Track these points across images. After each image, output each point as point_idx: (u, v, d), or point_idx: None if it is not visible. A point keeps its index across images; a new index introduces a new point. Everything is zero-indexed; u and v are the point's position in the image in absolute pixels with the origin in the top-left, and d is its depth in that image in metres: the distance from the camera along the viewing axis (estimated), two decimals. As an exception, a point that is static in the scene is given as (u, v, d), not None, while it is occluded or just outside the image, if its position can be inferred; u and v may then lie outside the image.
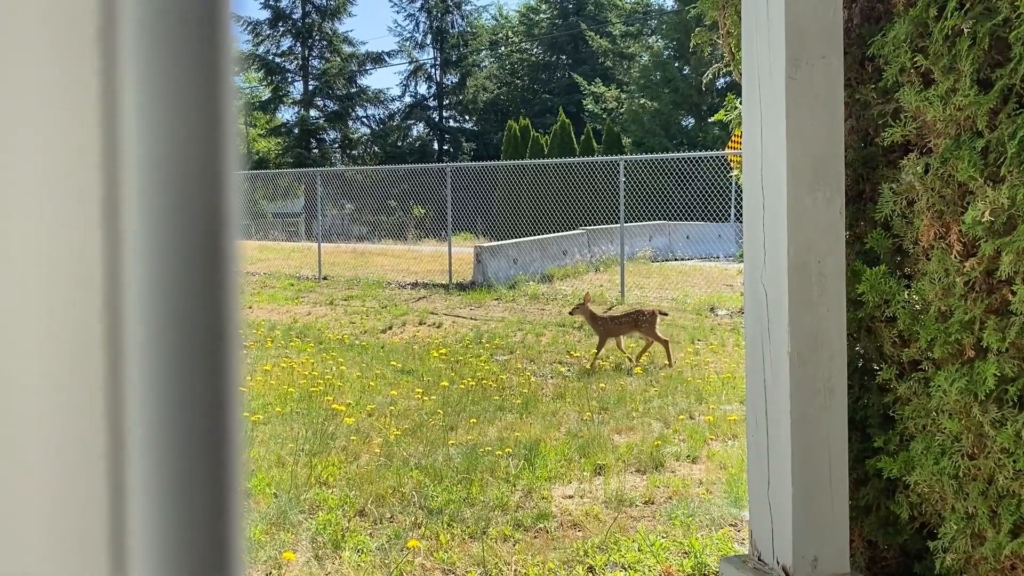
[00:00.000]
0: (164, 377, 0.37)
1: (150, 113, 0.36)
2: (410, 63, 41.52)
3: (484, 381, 7.41)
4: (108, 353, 0.36)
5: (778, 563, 2.14)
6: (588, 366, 8.05)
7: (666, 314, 8.89)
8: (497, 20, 44.73)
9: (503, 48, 42.66)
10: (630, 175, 15.82)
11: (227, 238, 0.39)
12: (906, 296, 2.13)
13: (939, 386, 2.00)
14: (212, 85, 0.38)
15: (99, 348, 0.36)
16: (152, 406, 0.37)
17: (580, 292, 13.62)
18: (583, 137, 27.25)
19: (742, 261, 2.35)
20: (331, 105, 39.35)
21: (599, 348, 8.24)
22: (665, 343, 8.15)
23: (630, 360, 8.16)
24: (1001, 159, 1.83)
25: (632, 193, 16.48)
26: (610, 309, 9.28)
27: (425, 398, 6.75)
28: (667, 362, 8.01)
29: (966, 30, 1.87)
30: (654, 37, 36.76)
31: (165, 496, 0.37)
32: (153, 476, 0.37)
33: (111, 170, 0.36)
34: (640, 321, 8.19)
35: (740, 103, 2.55)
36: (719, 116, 3.09)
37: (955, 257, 1.97)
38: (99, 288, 0.36)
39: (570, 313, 9.05)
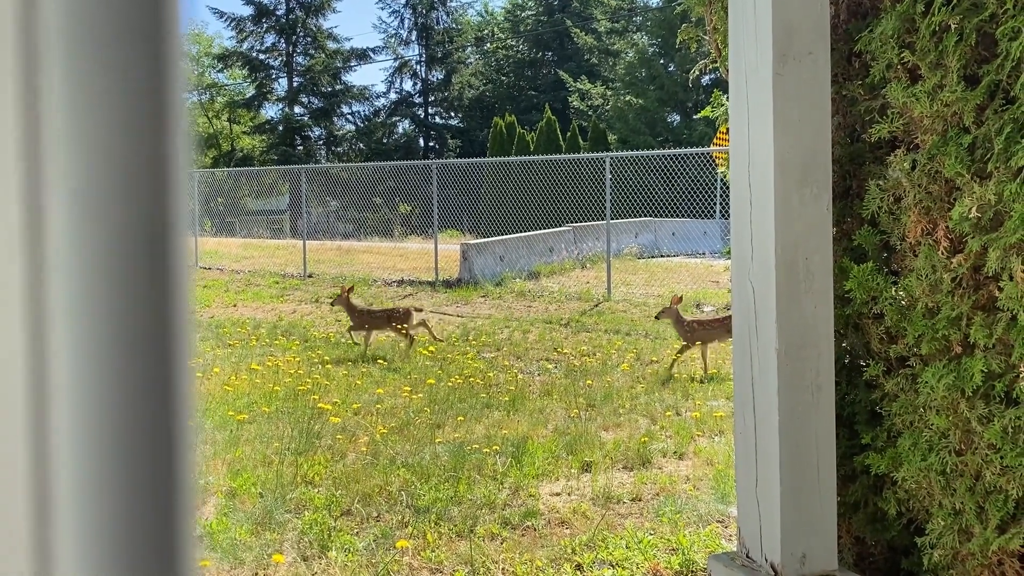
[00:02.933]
0: (93, 382, 0.36)
1: (77, 108, 0.35)
2: (395, 60, 41.38)
3: (471, 379, 7.40)
4: (30, 359, 0.35)
5: (766, 560, 2.13)
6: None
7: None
8: (482, 16, 44.65)
9: (489, 45, 42.59)
10: (616, 172, 15.83)
11: (169, 235, 0.37)
12: (893, 292, 2.13)
13: (926, 382, 2.00)
14: (151, 77, 0.36)
15: (20, 355, 0.34)
16: (80, 412, 0.35)
17: (567, 289, 13.63)
18: (569, 134, 27.25)
19: (728, 258, 2.35)
20: (316, 102, 39.16)
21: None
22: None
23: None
24: (988, 155, 1.83)
25: (618, 190, 16.49)
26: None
27: (412, 396, 6.72)
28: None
29: (953, 26, 1.87)
30: (639, 34, 36.79)
31: (96, 506, 0.36)
32: (82, 487, 0.36)
33: (32, 168, 0.34)
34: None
35: (727, 99, 2.54)
36: (705, 112, 3.09)
37: (942, 253, 1.97)
38: (19, 297, 0.34)
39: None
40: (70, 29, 0.35)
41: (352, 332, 8.88)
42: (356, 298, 9.60)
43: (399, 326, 8.65)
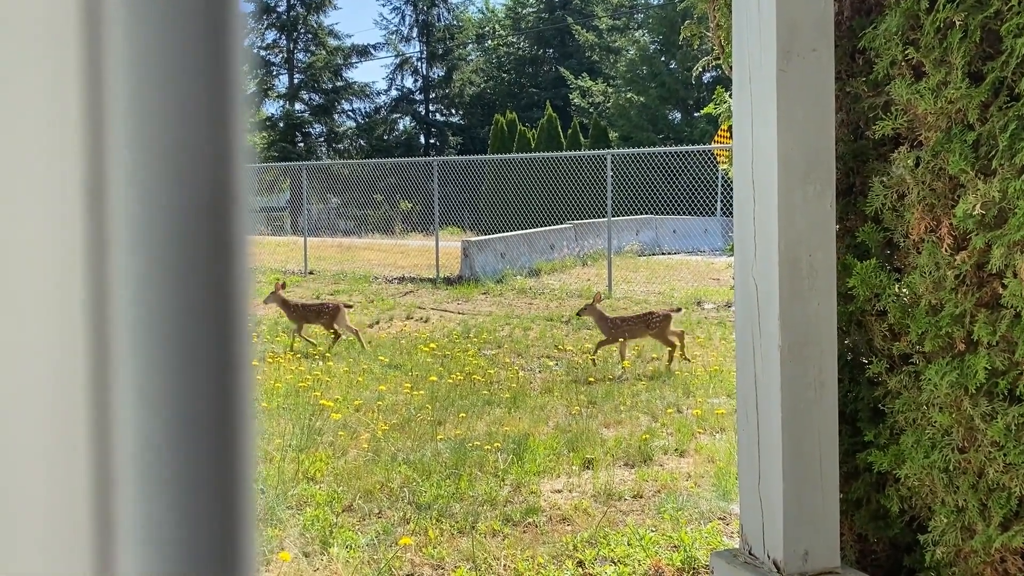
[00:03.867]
0: (157, 378, 0.35)
1: (140, 99, 0.34)
2: (396, 56, 41.35)
3: (472, 376, 7.40)
4: (94, 353, 0.34)
5: (769, 557, 2.13)
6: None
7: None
8: (483, 14, 44.61)
9: (490, 42, 42.55)
10: (617, 169, 15.81)
11: (233, 231, 0.37)
12: (897, 290, 2.12)
13: (929, 379, 2.00)
14: (214, 66, 0.36)
15: (83, 349, 0.34)
16: (143, 408, 0.35)
17: (568, 286, 13.63)
18: (570, 131, 27.23)
19: (729, 255, 2.34)
20: (317, 99, 39.14)
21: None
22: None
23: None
24: (992, 152, 1.83)
25: (619, 187, 16.48)
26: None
27: (413, 393, 6.73)
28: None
29: (957, 23, 1.87)
30: (641, 31, 36.74)
31: (161, 501, 0.36)
32: (146, 482, 0.35)
33: (96, 160, 0.34)
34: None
35: (730, 96, 2.54)
36: (708, 109, 3.08)
37: (946, 250, 1.97)
38: (82, 284, 0.34)
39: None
40: (132, 14, 0.35)
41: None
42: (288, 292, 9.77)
43: (328, 322, 8.82)
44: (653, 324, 7.84)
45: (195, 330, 0.35)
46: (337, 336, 8.87)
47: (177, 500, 0.36)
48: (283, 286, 9.10)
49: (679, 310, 8.52)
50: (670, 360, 7.72)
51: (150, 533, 0.35)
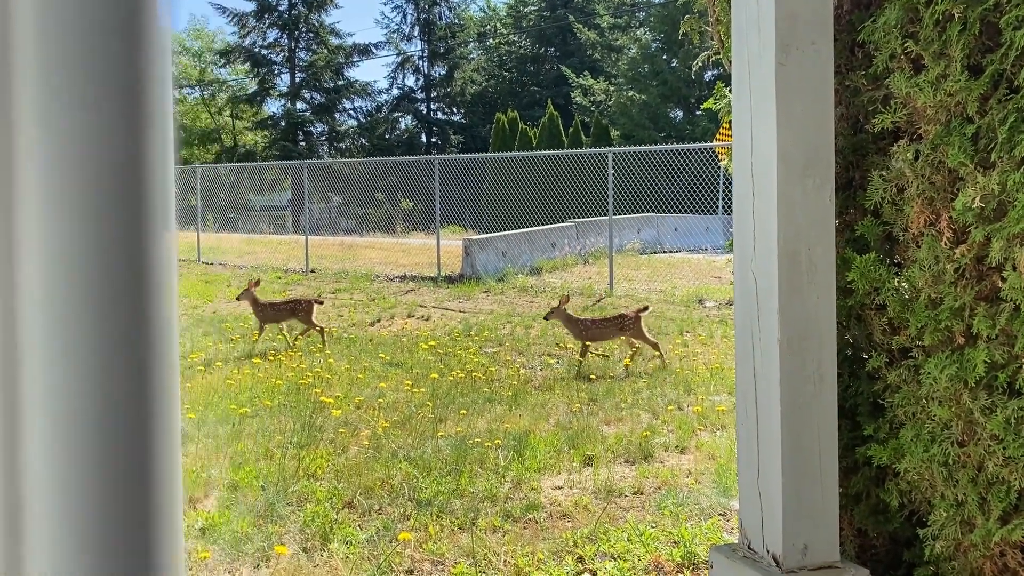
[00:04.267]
0: (69, 383, 0.35)
1: (50, 108, 0.34)
2: (397, 55, 41.35)
3: (473, 373, 7.40)
4: (3, 358, 0.34)
5: (768, 551, 2.13)
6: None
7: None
8: (485, 12, 44.59)
9: (491, 40, 42.53)
10: (618, 168, 15.80)
11: (147, 234, 0.36)
12: (896, 283, 2.12)
13: (929, 373, 2.00)
14: (128, 75, 0.35)
15: None
16: (55, 413, 0.35)
17: (569, 284, 13.62)
18: (571, 130, 27.22)
19: (730, 253, 2.34)
20: (318, 98, 39.16)
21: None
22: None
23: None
24: (991, 145, 1.82)
25: (620, 185, 16.47)
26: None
27: (414, 390, 6.73)
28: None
29: (957, 15, 1.86)
30: (642, 29, 36.73)
31: (69, 507, 0.35)
32: (55, 488, 0.35)
33: (4, 168, 0.34)
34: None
35: (729, 92, 2.54)
36: (708, 105, 3.08)
37: (945, 244, 1.96)
38: None
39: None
40: (43, 28, 0.34)
41: (263, 327, 9.02)
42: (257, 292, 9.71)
43: (304, 318, 8.87)
44: (626, 326, 7.67)
45: (108, 334, 0.35)
46: (305, 331, 8.95)
47: (91, 500, 0.35)
48: (256, 284, 9.10)
49: (647, 308, 8.36)
50: (662, 361, 7.64)
51: (61, 533, 0.35)
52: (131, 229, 0.37)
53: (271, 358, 8.09)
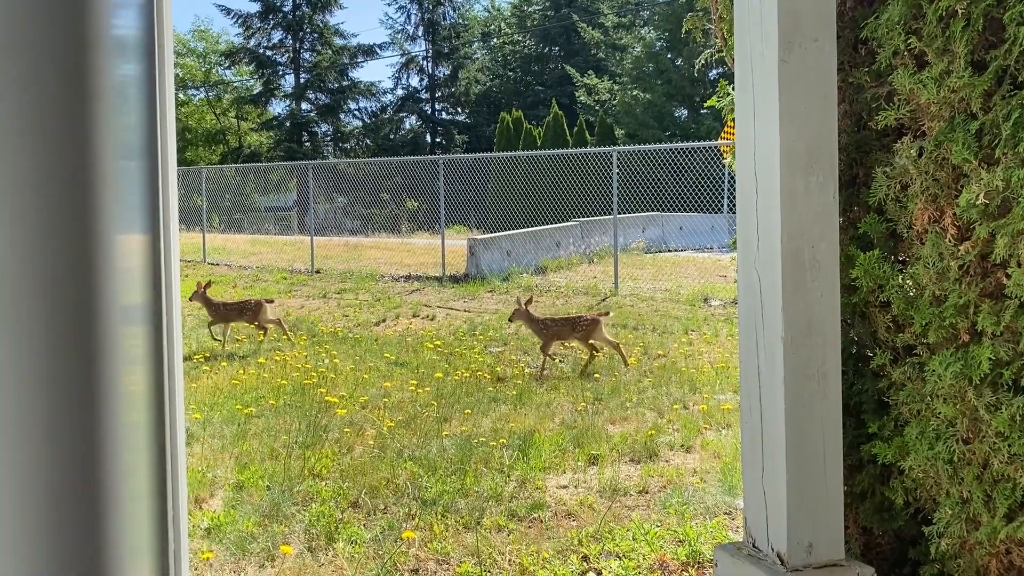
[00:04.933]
0: (14, 382, 0.34)
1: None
2: (402, 55, 41.38)
3: (478, 373, 7.40)
4: None
5: (772, 549, 2.13)
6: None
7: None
8: (489, 12, 44.59)
9: (495, 40, 42.53)
10: (623, 166, 15.79)
11: (95, 234, 0.36)
12: (900, 281, 2.11)
13: (933, 371, 1.99)
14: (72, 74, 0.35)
15: None
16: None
17: (574, 284, 13.62)
18: (576, 129, 27.20)
19: (735, 251, 2.33)
20: (323, 98, 39.20)
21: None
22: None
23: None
24: (995, 141, 1.81)
25: (625, 185, 16.46)
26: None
27: (419, 390, 6.73)
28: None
29: (960, 11, 1.85)
30: (646, 28, 36.69)
31: (23, 504, 0.35)
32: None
33: None
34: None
35: (732, 89, 2.53)
36: (712, 102, 3.07)
37: (949, 241, 1.96)
38: None
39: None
40: None
41: (212, 327, 9.08)
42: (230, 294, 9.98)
43: (251, 318, 8.98)
44: (579, 327, 7.64)
45: (58, 329, 0.35)
46: (265, 331, 9.07)
47: (39, 503, 0.35)
48: (208, 285, 9.15)
49: (608, 313, 8.43)
50: (624, 362, 7.58)
51: (12, 537, 0.34)
52: (72, 232, 0.36)
53: (276, 358, 8.10)
